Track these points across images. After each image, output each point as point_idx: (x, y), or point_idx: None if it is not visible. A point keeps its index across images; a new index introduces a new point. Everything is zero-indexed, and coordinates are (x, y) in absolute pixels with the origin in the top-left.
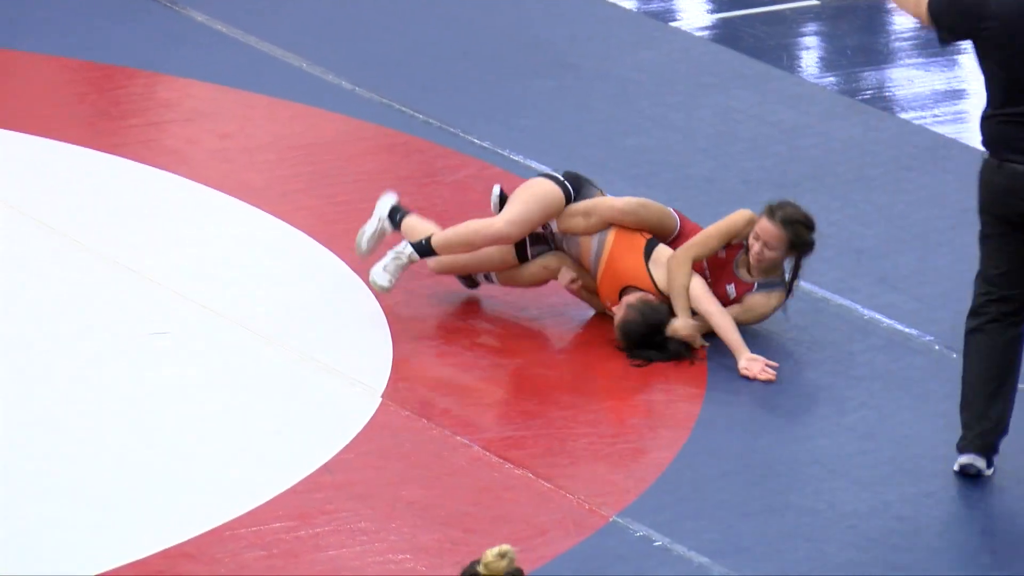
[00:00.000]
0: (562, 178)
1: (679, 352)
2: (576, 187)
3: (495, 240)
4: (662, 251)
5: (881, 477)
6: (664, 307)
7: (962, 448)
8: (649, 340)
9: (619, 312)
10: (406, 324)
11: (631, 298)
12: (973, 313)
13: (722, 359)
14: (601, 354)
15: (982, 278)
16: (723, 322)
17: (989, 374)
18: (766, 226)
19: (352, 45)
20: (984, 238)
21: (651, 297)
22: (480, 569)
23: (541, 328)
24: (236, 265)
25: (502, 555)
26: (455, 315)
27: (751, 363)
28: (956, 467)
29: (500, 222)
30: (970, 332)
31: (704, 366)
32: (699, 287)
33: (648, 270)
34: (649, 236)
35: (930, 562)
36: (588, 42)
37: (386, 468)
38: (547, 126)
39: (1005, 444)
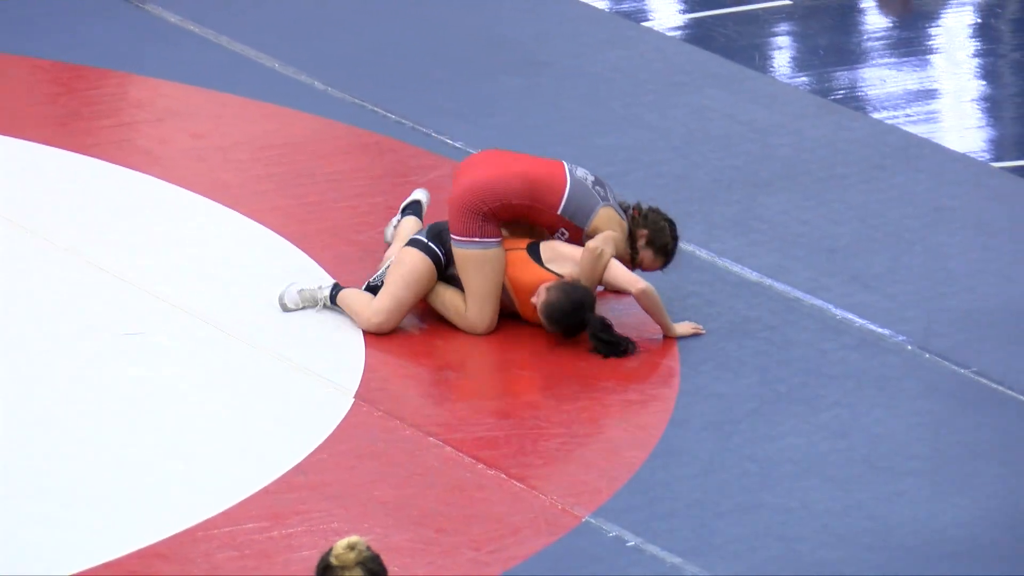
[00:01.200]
0: (427, 240)
1: (616, 340)
2: (445, 246)
3: (368, 329)
4: (547, 248)
5: (854, 476)
6: (583, 287)
7: None
8: (576, 318)
9: (540, 296)
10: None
11: (548, 283)
12: None
13: (695, 360)
14: (574, 355)
15: None
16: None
17: None
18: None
19: (324, 45)
20: None
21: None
22: (332, 560)
23: (514, 329)
24: (208, 265)
25: (351, 547)
26: (428, 316)
27: (683, 330)
28: None
29: (369, 313)
30: None
31: (676, 366)
32: (617, 266)
33: (551, 271)
34: (525, 244)
35: (903, 561)
36: (559, 41)
37: (359, 468)
38: (519, 125)
39: (976, 449)
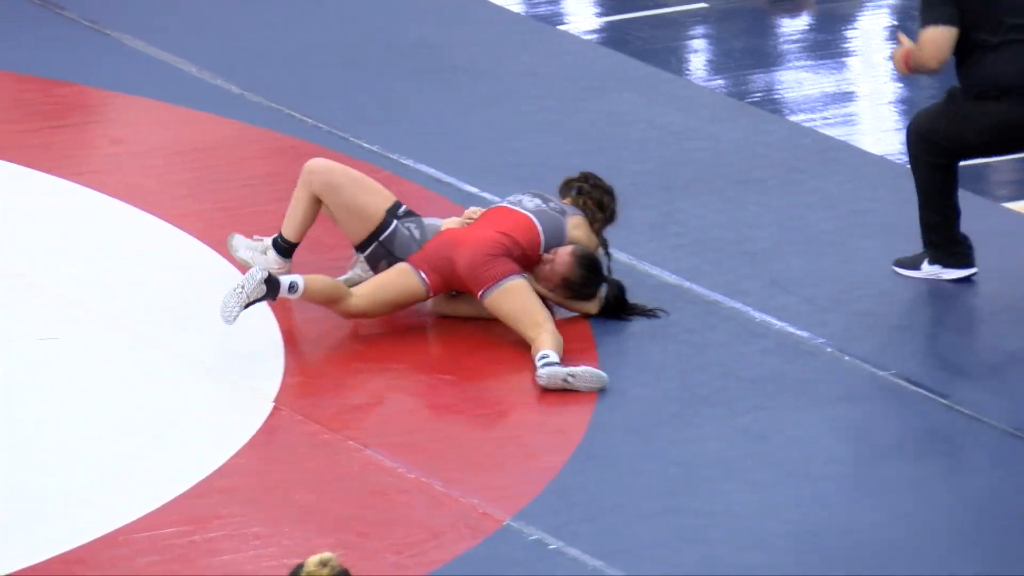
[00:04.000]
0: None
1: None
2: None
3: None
4: None
5: (773, 479)
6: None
7: None
8: (599, 275)
9: (561, 255)
10: (298, 328)
11: (565, 247)
12: None
13: (614, 363)
14: (494, 358)
15: None
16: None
17: None
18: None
19: (240, 49)
20: None
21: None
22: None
23: (434, 332)
24: (125, 270)
25: (323, 563)
26: (350, 323)
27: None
28: None
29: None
30: None
31: (596, 369)
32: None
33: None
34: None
35: (822, 564)
36: (474, 44)
37: (278, 473)
38: (434, 129)
39: (894, 452)
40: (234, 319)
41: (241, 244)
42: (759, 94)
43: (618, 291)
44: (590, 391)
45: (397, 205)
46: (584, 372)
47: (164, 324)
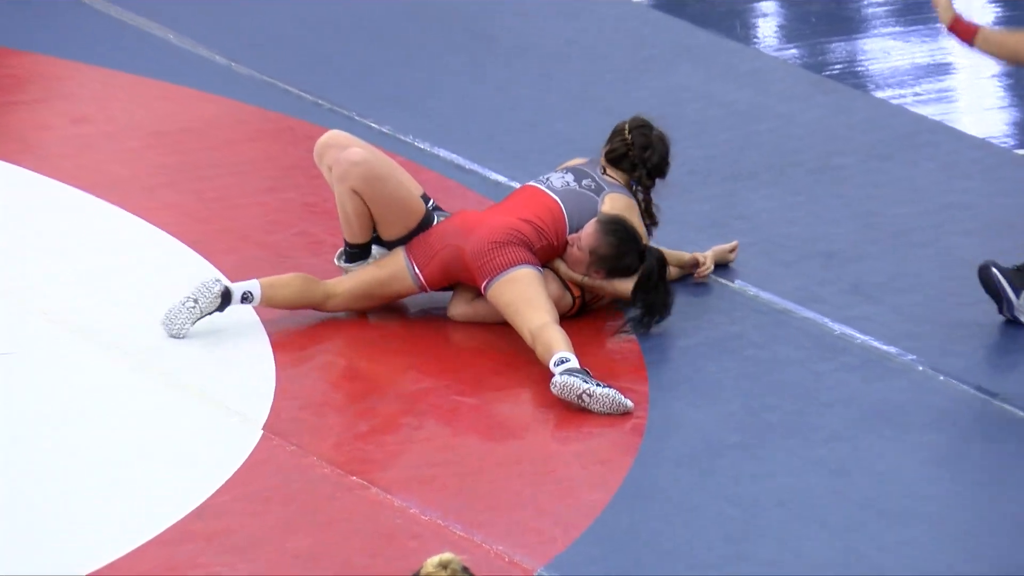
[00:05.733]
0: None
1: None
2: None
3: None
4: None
5: (855, 522)
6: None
7: None
8: (637, 246)
9: (589, 230)
10: (292, 341)
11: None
12: None
13: (666, 383)
14: (525, 377)
15: None
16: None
17: None
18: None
19: (228, 14)
20: None
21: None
22: None
23: (453, 344)
24: (93, 274)
25: (443, 565)
26: (349, 331)
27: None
28: None
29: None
30: None
31: (644, 390)
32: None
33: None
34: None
35: None
36: (507, 12)
37: (269, 514)
38: (458, 108)
39: (997, 490)
40: (184, 335)
41: None
42: (839, 66)
43: (658, 263)
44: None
45: (425, 196)
46: (604, 395)
47: (135, 337)
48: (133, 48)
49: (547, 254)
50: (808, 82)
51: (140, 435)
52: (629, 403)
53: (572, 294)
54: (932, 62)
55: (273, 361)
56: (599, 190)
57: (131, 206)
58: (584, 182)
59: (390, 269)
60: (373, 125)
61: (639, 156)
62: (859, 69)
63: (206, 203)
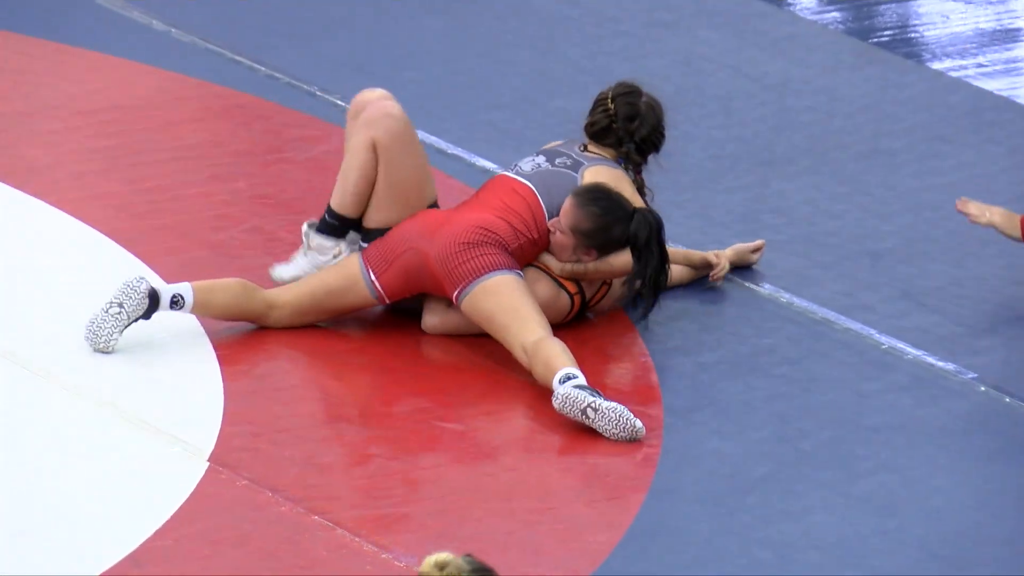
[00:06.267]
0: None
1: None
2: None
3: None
4: None
5: (907, 565)
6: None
7: None
8: (623, 211)
9: (568, 208)
10: (242, 355)
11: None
12: None
13: (684, 406)
14: (514, 398)
15: None
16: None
17: None
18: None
19: None
20: None
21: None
22: None
23: (431, 361)
24: (11, 278)
25: (440, 566)
26: (309, 343)
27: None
28: None
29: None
30: None
31: (658, 415)
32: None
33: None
34: None
35: None
36: None
37: (217, 558)
38: (442, 81)
39: None
40: (112, 347)
41: (285, 270)
42: (889, 32)
43: (650, 223)
44: (617, 439)
45: (436, 204)
46: (611, 410)
47: (62, 354)
48: (55, 10)
49: (529, 251)
50: (853, 51)
51: (64, 469)
52: (640, 424)
53: (568, 292)
54: (998, 27)
55: (220, 379)
56: (576, 166)
57: (52, 198)
58: (558, 160)
59: (342, 276)
60: (339, 102)
61: (625, 128)
62: (912, 36)
63: (142, 194)
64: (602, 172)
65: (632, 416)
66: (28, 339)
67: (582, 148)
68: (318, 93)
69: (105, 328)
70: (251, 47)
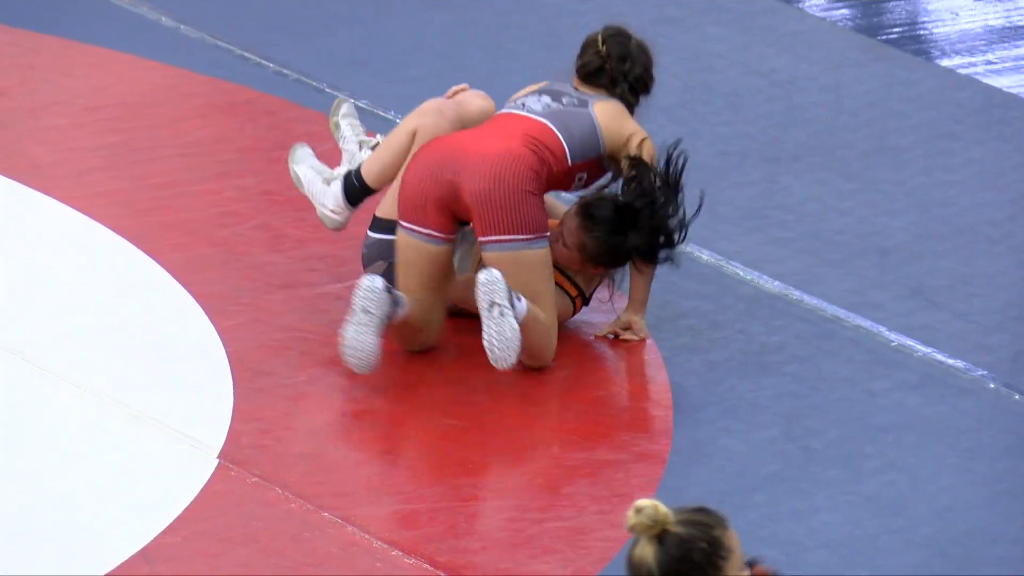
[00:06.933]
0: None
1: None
2: None
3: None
4: None
5: (915, 564)
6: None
7: None
8: (619, 227)
9: (567, 227)
10: (252, 355)
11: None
12: None
13: (692, 404)
14: (522, 398)
15: None
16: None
17: None
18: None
19: None
20: None
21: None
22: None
23: (439, 362)
24: (17, 275)
25: (637, 510)
26: (318, 342)
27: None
28: None
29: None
30: None
31: (667, 414)
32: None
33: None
34: None
35: None
36: None
37: (226, 556)
38: (446, 78)
39: None
40: (375, 359)
41: (306, 156)
42: (898, 29)
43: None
44: (489, 350)
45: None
46: (512, 329)
47: (69, 350)
48: (62, 6)
49: (548, 185)
50: (861, 48)
51: (73, 466)
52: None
53: (570, 295)
54: (1008, 24)
55: (230, 376)
56: (584, 103)
57: (58, 194)
58: (564, 99)
59: (407, 263)
60: (348, 98)
61: (617, 68)
62: (921, 32)
63: (148, 191)
64: (609, 106)
65: (518, 347)
66: (34, 336)
67: (575, 88)
68: (326, 89)
69: (361, 338)
70: (259, 43)
